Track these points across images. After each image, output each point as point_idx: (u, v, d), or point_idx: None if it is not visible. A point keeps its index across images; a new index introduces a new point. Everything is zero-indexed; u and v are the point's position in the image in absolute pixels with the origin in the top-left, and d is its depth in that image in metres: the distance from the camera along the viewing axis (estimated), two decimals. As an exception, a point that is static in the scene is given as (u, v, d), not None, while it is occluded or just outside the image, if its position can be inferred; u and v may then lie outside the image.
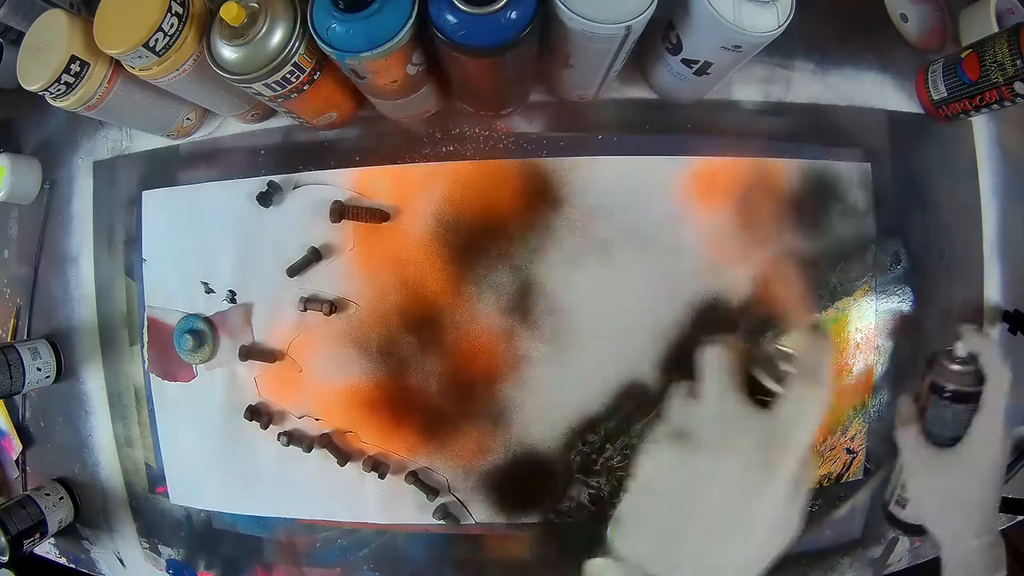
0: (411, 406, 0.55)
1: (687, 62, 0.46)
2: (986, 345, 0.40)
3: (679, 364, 0.54)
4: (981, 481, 0.39)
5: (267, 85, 0.43)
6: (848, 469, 0.57)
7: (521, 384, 0.54)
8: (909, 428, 0.42)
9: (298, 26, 0.41)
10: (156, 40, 0.42)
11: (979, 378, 0.39)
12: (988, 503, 0.39)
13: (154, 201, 0.60)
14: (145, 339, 0.60)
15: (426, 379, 0.55)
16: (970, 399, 0.39)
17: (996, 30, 0.58)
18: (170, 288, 0.59)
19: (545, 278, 0.53)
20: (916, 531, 0.47)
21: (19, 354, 0.60)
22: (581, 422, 0.54)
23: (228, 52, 0.42)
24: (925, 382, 0.43)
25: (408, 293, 0.54)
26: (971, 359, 0.40)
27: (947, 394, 0.40)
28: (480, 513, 0.56)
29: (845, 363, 0.56)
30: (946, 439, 0.40)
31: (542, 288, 0.53)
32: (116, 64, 0.47)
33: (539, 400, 0.54)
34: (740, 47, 0.42)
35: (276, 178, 0.56)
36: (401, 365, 0.55)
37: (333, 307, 0.55)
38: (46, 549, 0.70)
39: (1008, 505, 0.55)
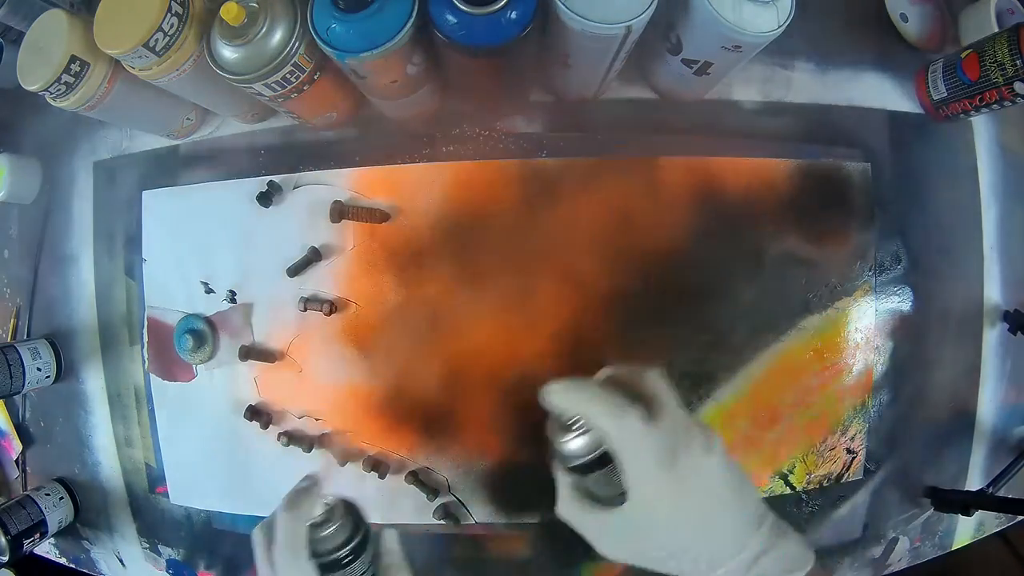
0: (411, 406, 0.55)
1: (687, 62, 0.46)
2: (574, 399, 0.32)
3: (678, 365, 0.54)
4: (679, 524, 0.31)
5: (267, 85, 0.43)
6: (848, 469, 0.57)
7: (521, 384, 0.54)
8: (566, 503, 0.34)
9: (298, 26, 0.41)
10: (156, 40, 0.42)
11: (595, 439, 0.32)
12: (715, 535, 0.31)
13: (154, 201, 0.60)
14: (145, 339, 0.60)
15: (426, 379, 0.55)
16: (599, 464, 0.32)
17: (996, 30, 0.58)
18: (170, 288, 0.59)
19: (545, 278, 0.53)
20: None
21: (19, 354, 0.60)
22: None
23: (228, 52, 0.42)
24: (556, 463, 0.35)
25: (408, 293, 0.54)
26: (573, 424, 0.32)
27: (576, 470, 0.33)
28: (480, 513, 0.56)
29: (845, 363, 0.56)
30: (614, 498, 0.32)
31: (542, 288, 0.53)
32: (116, 64, 0.47)
33: (539, 399, 0.54)
34: (740, 47, 0.42)
35: (276, 178, 0.56)
36: (401, 365, 0.55)
37: (333, 307, 0.55)
38: (46, 549, 0.71)
39: (1008, 505, 0.56)
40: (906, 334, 0.57)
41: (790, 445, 0.56)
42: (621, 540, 0.33)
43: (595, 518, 0.33)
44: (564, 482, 0.34)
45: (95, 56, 0.46)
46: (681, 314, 0.54)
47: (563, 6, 0.38)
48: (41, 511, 0.63)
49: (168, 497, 0.62)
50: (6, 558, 0.59)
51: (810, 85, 0.56)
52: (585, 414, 0.32)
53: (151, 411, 0.61)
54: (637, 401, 0.31)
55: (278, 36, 0.41)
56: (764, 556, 0.30)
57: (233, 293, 0.57)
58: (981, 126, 0.60)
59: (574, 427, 0.32)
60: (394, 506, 0.56)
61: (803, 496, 0.57)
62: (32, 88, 0.46)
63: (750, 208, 0.54)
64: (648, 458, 0.30)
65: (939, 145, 0.59)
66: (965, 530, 0.64)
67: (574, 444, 0.33)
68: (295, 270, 0.55)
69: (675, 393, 0.33)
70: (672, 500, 0.30)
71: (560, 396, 0.32)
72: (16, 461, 0.69)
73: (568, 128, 0.54)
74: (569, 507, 0.34)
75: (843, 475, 0.58)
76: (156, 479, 0.62)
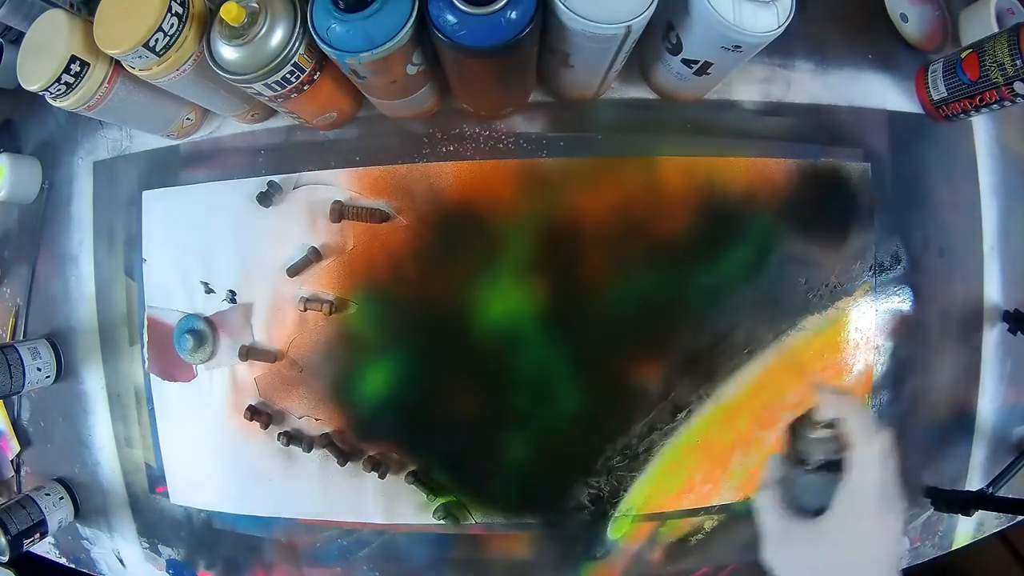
0: (411, 406, 0.55)
1: (687, 62, 0.46)
2: (849, 407, 0.35)
3: (679, 365, 0.54)
4: (851, 557, 0.33)
5: (267, 85, 0.43)
6: (848, 469, 0.57)
7: (521, 384, 0.54)
8: (764, 491, 0.37)
9: (298, 26, 0.41)
10: (156, 40, 0.42)
11: (842, 444, 0.34)
12: None
13: (154, 201, 0.60)
14: (145, 339, 0.60)
15: (426, 379, 0.55)
16: (832, 467, 0.34)
17: (996, 30, 0.58)
18: (170, 288, 0.59)
19: (545, 278, 0.53)
20: None
21: (19, 354, 0.60)
22: (581, 423, 0.54)
23: (228, 52, 0.42)
24: (787, 449, 0.38)
25: (408, 293, 0.54)
26: (833, 424, 0.35)
27: (807, 464, 0.35)
28: (480, 513, 0.56)
29: (845, 363, 0.56)
30: (810, 509, 0.35)
31: (543, 288, 0.53)
32: (116, 64, 0.47)
33: (539, 400, 0.54)
34: (740, 47, 0.42)
35: (276, 178, 0.56)
36: (401, 365, 0.55)
37: (333, 307, 0.55)
38: (46, 549, 0.71)
39: (1008, 505, 0.56)
40: (906, 334, 0.57)
41: (790, 445, 0.56)
42: (794, 549, 0.35)
43: (784, 519, 0.35)
44: (777, 477, 0.37)
45: (95, 56, 0.46)
46: (681, 314, 0.54)
47: (563, 6, 0.38)
48: (41, 511, 0.63)
49: (168, 497, 0.62)
50: (6, 558, 0.59)
51: (810, 85, 0.56)
52: (848, 421, 0.34)
53: (151, 411, 0.61)
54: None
55: (278, 36, 0.41)
56: None
57: (233, 293, 0.57)
58: (981, 126, 0.60)
59: (829, 427, 0.35)
60: (394, 506, 0.56)
61: (803, 496, 0.57)
62: (32, 88, 0.46)
63: (750, 208, 0.54)
64: (874, 485, 0.33)
65: (939, 145, 0.59)
66: (965, 530, 0.64)
67: (821, 443, 0.35)
68: (295, 270, 0.55)
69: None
70: (859, 532, 0.33)
71: (833, 397, 0.35)
72: (12, 462, 0.69)
73: (568, 128, 0.54)
74: (769, 502, 0.36)
75: (843, 475, 0.57)
76: (156, 479, 0.62)
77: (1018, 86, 0.49)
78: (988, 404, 0.61)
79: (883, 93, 0.58)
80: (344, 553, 0.58)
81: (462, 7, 0.37)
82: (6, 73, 0.62)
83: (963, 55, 0.53)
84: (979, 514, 0.60)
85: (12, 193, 0.63)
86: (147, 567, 0.65)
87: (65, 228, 0.64)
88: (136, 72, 0.45)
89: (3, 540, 0.59)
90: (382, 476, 0.55)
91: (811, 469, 0.35)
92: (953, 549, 0.64)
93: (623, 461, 0.55)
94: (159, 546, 0.64)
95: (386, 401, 0.55)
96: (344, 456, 0.56)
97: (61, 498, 0.65)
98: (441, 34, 0.39)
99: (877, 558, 0.33)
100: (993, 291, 0.60)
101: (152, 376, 0.60)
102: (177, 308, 0.59)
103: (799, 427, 0.37)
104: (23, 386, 0.61)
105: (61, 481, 0.67)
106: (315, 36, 0.40)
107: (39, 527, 0.62)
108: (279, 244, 0.56)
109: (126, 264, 0.61)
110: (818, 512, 0.34)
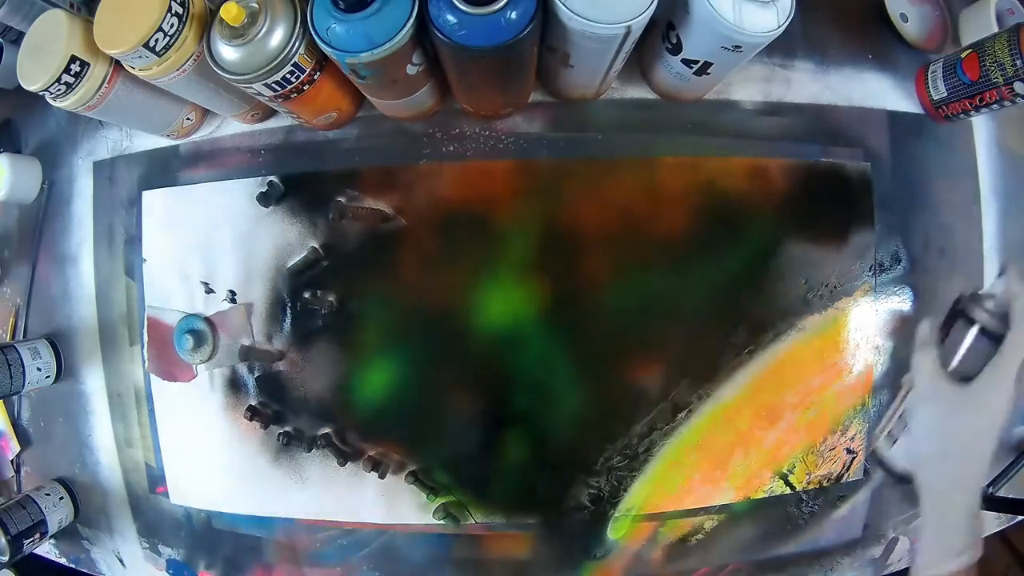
0: (411, 406, 0.55)
1: (687, 62, 0.46)
2: (1021, 294, 0.38)
3: (679, 365, 0.54)
4: (983, 430, 0.38)
5: (267, 85, 0.43)
6: (848, 469, 0.57)
7: (521, 384, 0.54)
8: (928, 352, 0.41)
9: (298, 26, 0.41)
10: (156, 40, 0.42)
11: (1006, 323, 0.39)
12: (983, 461, 0.38)
13: (154, 201, 0.60)
14: (145, 339, 0.60)
15: (427, 379, 0.55)
16: (993, 339, 0.39)
17: (996, 30, 0.58)
18: (170, 288, 0.59)
19: (545, 278, 0.53)
20: (900, 479, 0.45)
21: (19, 354, 0.60)
22: (581, 423, 0.54)
23: (228, 52, 0.42)
24: (954, 312, 0.43)
25: (408, 293, 0.54)
26: (1005, 301, 0.39)
27: (974, 327, 0.41)
28: (480, 513, 0.56)
29: (845, 363, 0.56)
30: (958, 374, 0.40)
31: (543, 288, 0.53)
32: (116, 64, 0.47)
33: (539, 400, 0.54)
34: (740, 47, 0.42)
35: (276, 178, 0.56)
36: (401, 365, 0.55)
37: (333, 307, 0.55)
38: (46, 549, 0.71)
39: (1008, 505, 0.55)
40: (906, 334, 0.57)
41: (790, 445, 0.56)
42: (939, 408, 0.39)
43: (938, 378, 0.40)
44: (931, 339, 0.42)
45: (95, 56, 0.46)
46: (681, 314, 0.54)
47: (563, 6, 0.38)
48: (41, 511, 0.63)
49: (168, 497, 0.62)
50: (6, 558, 0.59)
51: (810, 85, 0.56)
52: (1017, 303, 0.38)
53: (151, 411, 0.61)
54: None
55: (278, 36, 0.41)
56: None
57: (233, 293, 0.57)
58: (981, 126, 0.60)
59: (996, 302, 0.40)
60: (394, 506, 0.56)
61: (803, 496, 0.58)
62: (32, 88, 0.46)
63: (750, 208, 0.54)
64: (1017, 367, 0.37)
65: (939, 145, 0.59)
66: (965, 530, 0.64)
67: (990, 314, 0.40)
68: (296, 270, 0.55)
69: None
70: (994, 405, 0.38)
71: (1009, 282, 0.39)
72: (12, 462, 0.69)
73: (568, 128, 0.54)
74: (926, 361, 0.41)
75: (843, 475, 0.58)
76: (156, 479, 0.62)
77: (1018, 86, 0.49)
78: (988, 404, 0.61)
79: (883, 93, 0.58)
80: (344, 553, 0.58)
81: (462, 7, 0.37)
82: (6, 73, 0.62)
83: (963, 55, 0.53)
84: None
85: (12, 193, 0.63)
86: (147, 567, 0.65)
87: (65, 228, 0.64)
88: (136, 72, 0.45)
89: (3, 540, 0.59)
90: (382, 476, 0.55)
91: (971, 338, 0.40)
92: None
93: (623, 461, 0.55)
94: (159, 546, 0.64)
95: (386, 401, 0.55)
96: (344, 456, 0.56)
97: (61, 498, 0.65)
98: (441, 34, 0.39)
99: (996, 434, 0.38)
100: (993, 291, 0.60)
101: (152, 376, 0.60)
102: (177, 308, 0.59)
103: (976, 295, 0.41)
104: (23, 386, 0.61)
105: (61, 481, 0.66)
106: (315, 36, 0.40)
107: (39, 527, 0.62)
108: (279, 244, 0.56)
109: (126, 264, 0.61)
110: (965, 379, 0.38)
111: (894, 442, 0.46)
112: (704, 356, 0.54)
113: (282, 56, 0.41)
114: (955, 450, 0.39)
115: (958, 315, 0.42)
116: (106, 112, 0.50)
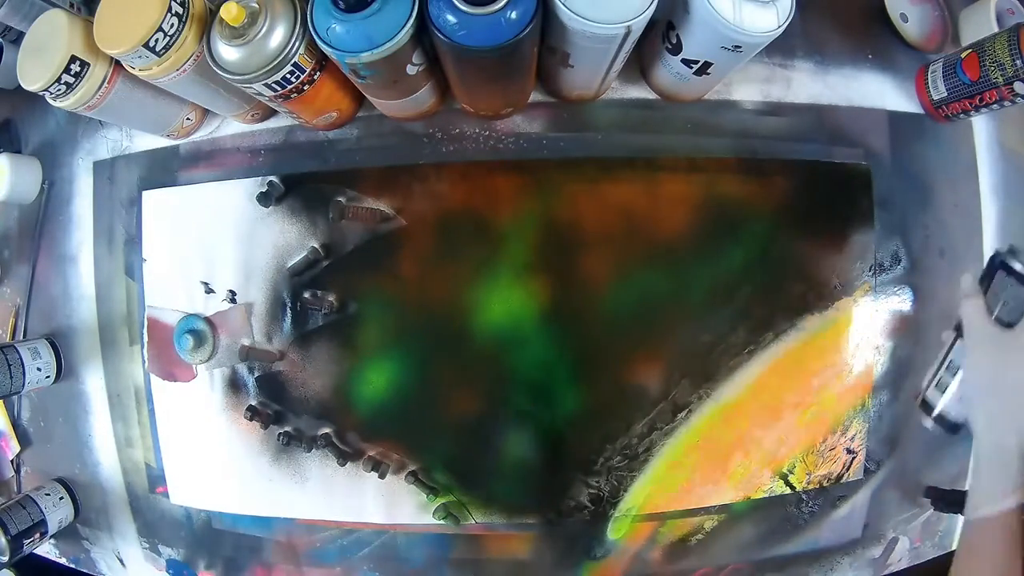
0: (411, 406, 0.55)
1: (687, 62, 0.46)
2: None
3: (679, 365, 0.54)
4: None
5: (267, 85, 0.43)
6: (848, 469, 0.57)
7: (521, 384, 0.54)
8: (975, 300, 0.43)
9: (298, 26, 0.41)
10: (156, 40, 0.42)
11: None
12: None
13: (154, 201, 0.60)
14: (145, 339, 0.60)
15: (427, 379, 0.55)
16: None
17: (996, 30, 0.58)
18: (170, 288, 0.59)
19: (545, 278, 0.53)
20: (951, 427, 0.47)
21: (19, 354, 0.60)
22: (581, 423, 0.54)
23: (228, 52, 0.42)
24: (993, 264, 0.45)
25: (408, 293, 0.54)
26: None
27: (1017, 274, 0.43)
28: (480, 513, 0.56)
29: (845, 363, 0.56)
30: (1003, 321, 0.42)
31: (542, 288, 0.53)
32: (116, 64, 0.47)
33: (539, 400, 0.54)
34: (740, 47, 0.42)
35: (276, 178, 0.56)
36: (401, 365, 0.55)
37: (333, 307, 0.55)
38: (46, 549, 0.70)
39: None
40: (906, 334, 0.57)
41: (790, 445, 0.56)
42: (989, 355, 0.41)
43: (988, 325, 0.42)
44: (972, 291, 0.44)
45: (95, 56, 0.46)
46: (681, 314, 0.54)
47: (563, 6, 0.38)
48: (41, 511, 0.62)
49: (168, 497, 0.62)
50: (6, 558, 0.59)
51: (810, 85, 0.56)
52: None
53: (151, 411, 0.61)
54: None
55: (278, 36, 0.41)
56: None
57: (233, 293, 0.57)
58: (981, 126, 0.60)
59: None
60: (394, 506, 0.56)
61: (803, 496, 0.58)
62: (32, 88, 0.46)
63: (750, 208, 0.54)
64: None
65: (939, 145, 0.59)
66: (965, 530, 0.64)
67: None
68: (296, 270, 0.55)
69: None
70: None
71: None
72: (12, 462, 0.69)
73: (568, 128, 0.54)
74: (975, 309, 0.43)
75: (843, 475, 0.58)
76: (156, 479, 0.62)
77: (1018, 86, 0.49)
78: (988, 404, 0.61)
79: (883, 93, 0.58)
80: (344, 553, 0.58)
81: (462, 7, 0.37)
82: (6, 73, 0.62)
83: (963, 55, 0.53)
84: (979, 514, 0.60)
85: (12, 193, 0.63)
86: (147, 567, 0.65)
87: (65, 228, 0.64)
88: (136, 72, 0.45)
89: (3, 540, 0.59)
90: (382, 476, 0.55)
91: (1015, 279, 0.42)
92: (953, 549, 0.64)
93: (623, 461, 0.55)
94: (159, 546, 0.64)
95: (386, 401, 0.55)
96: (344, 456, 0.56)
97: (61, 498, 0.65)
98: (441, 34, 0.39)
99: None
100: (993, 291, 0.60)
101: (152, 376, 0.60)
102: (177, 308, 0.59)
103: (1008, 250, 0.44)
104: (23, 386, 0.61)
105: (61, 481, 0.66)
106: (315, 36, 0.40)
107: (39, 527, 0.62)
108: (279, 244, 0.56)
109: (126, 264, 0.61)
110: (1009, 326, 0.40)
111: (943, 391, 0.48)
112: (704, 356, 0.54)
113: (282, 56, 0.41)
114: (1007, 391, 0.40)
115: (998, 267, 0.44)
116: (106, 112, 0.50)
